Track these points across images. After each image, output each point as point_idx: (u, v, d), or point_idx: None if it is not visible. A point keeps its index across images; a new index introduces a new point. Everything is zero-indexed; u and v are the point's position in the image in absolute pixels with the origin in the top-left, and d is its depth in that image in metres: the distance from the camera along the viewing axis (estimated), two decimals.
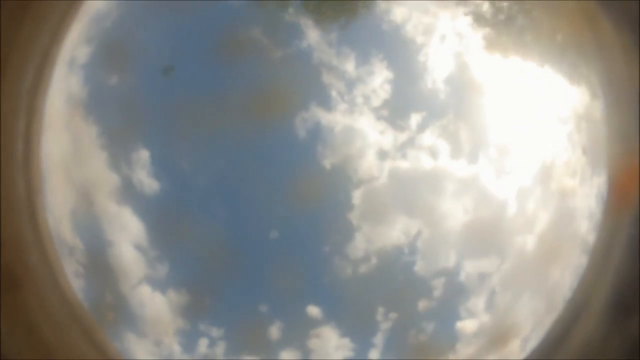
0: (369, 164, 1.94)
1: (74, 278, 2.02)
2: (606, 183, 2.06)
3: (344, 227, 1.93)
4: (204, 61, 1.96)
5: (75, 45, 2.05)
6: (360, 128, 1.94)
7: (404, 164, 1.96)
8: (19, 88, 2.03)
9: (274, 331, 1.95)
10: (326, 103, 1.94)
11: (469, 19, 2.00)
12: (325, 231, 1.94)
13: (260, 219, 1.93)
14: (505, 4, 2.03)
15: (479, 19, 2.00)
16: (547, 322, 2.06)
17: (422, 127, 1.96)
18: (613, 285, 2.04)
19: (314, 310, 1.94)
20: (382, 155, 1.95)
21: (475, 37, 2.00)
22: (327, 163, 1.93)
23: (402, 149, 1.96)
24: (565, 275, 2.06)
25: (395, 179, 1.96)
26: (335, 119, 1.94)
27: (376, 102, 1.95)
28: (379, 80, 1.95)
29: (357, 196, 1.94)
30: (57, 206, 2.03)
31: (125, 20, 2.03)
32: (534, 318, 2.04)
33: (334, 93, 1.94)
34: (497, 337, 2.02)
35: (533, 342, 2.06)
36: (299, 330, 1.95)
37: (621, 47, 2.04)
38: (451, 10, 2.00)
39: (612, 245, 2.05)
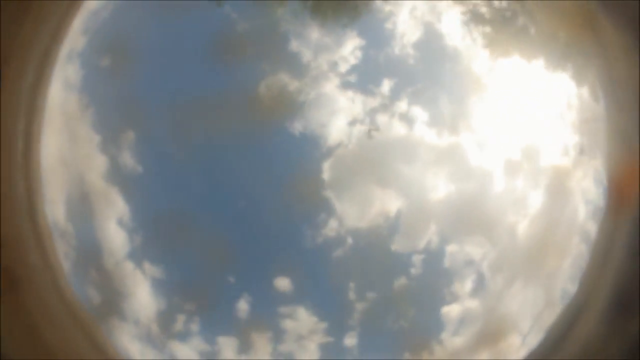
0: (341, 130, 1.91)
1: (71, 271, 2.02)
2: (606, 183, 2.06)
3: (315, 198, 1.91)
4: (203, 61, 1.97)
5: (75, 45, 2.05)
6: (335, 95, 1.92)
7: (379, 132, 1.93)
8: (19, 88, 2.03)
9: (243, 307, 1.93)
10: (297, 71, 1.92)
11: (466, 17, 2.00)
12: (296, 203, 1.91)
13: (230, 192, 1.92)
14: (504, 3, 2.03)
15: (477, 16, 2.00)
16: (546, 318, 2.04)
17: (397, 93, 1.93)
18: (613, 285, 2.03)
19: (283, 283, 1.91)
20: (356, 121, 1.92)
21: (475, 34, 2.00)
22: (297, 132, 1.91)
23: (377, 113, 1.92)
24: (563, 265, 2.03)
25: (368, 146, 1.92)
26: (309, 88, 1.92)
27: (350, 68, 1.93)
28: (350, 48, 1.94)
29: (328, 166, 1.91)
30: (56, 204, 2.04)
31: (125, 21, 2.04)
32: (531, 310, 2.02)
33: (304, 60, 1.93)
34: (489, 328, 1.99)
35: (531, 338, 2.04)
36: (269, 307, 1.92)
37: (621, 47, 2.04)
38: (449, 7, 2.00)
39: (613, 245, 2.05)
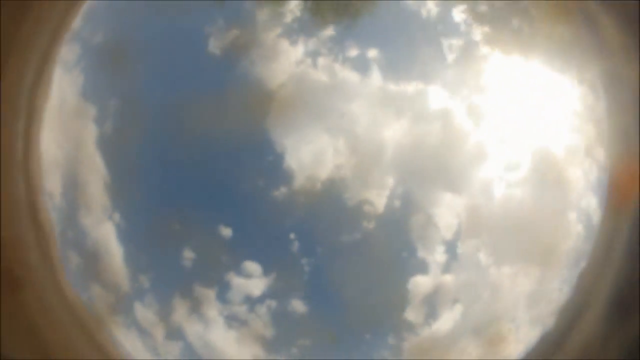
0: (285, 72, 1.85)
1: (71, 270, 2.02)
2: (606, 183, 2.06)
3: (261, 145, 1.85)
4: (202, 61, 1.97)
5: (75, 45, 2.05)
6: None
7: (323, 73, 1.87)
8: (19, 88, 2.03)
9: (189, 255, 1.90)
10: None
11: (466, 16, 1.99)
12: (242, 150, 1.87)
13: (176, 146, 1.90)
14: (505, 3, 2.03)
15: (477, 16, 2.00)
16: (540, 301, 1.97)
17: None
18: (613, 286, 2.03)
19: (226, 231, 1.86)
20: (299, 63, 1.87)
21: (475, 34, 1.99)
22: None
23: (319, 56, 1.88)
24: (557, 242, 1.97)
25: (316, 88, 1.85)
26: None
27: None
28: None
29: (273, 107, 1.85)
30: (55, 204, 2.04)
31: (124, 20, 2.04)
32: (522, 291, 1.94)
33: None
34: (471, 310, 1.90)
35: (525, 326, 1.98)
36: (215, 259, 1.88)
37: (621, 47, 2.04)
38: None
39: (612, 245, 2.04)
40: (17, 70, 2.02)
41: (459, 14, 1.95)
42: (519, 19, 2.03)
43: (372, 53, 1.89)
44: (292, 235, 1.85)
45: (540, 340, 2.05)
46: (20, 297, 2.00)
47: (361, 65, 1.87)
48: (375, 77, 1.87)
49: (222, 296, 1.89)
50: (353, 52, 1.88)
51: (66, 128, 2.03)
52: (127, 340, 1.97)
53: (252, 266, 1.86)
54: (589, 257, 2.05)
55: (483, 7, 2.01)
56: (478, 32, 1.99)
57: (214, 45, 1.92)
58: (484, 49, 1.98)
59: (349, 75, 1.87)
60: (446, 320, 1.90)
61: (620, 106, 2.06)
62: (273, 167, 1.85)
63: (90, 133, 1.99)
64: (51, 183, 2.04)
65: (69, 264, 2.01)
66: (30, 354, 2.00)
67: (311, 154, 1.84)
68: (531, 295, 1.99)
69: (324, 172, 1.85)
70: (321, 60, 1.87)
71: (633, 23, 2.01)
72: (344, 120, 1.81)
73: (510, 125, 1.97)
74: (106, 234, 1.95)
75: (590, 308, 2.04)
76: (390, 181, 1.85)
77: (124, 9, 2.03)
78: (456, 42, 1.93)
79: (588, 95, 2.06)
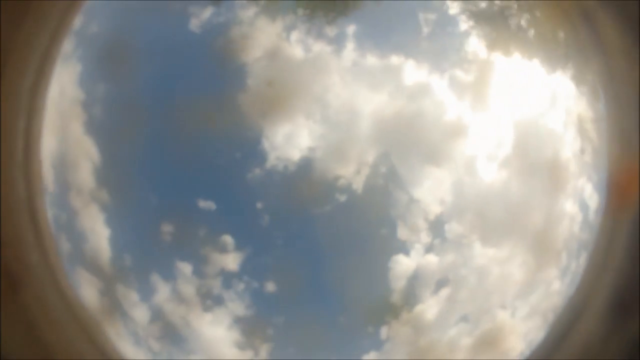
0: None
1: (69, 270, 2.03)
2: (606, 183, 2.06)
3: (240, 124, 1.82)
4: (201, 61, 1.97)
5: (75, 45, 2.05)
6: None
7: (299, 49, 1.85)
8: (19, 88, 2.03)
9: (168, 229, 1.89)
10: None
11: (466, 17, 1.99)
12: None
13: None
14: (504, 3, 2.03)
15: (477, 16, 2.00)
16: (535, 289, 1.95)
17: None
18: (613, 286, 2.03)
19: (206, 204, 1.85)
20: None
21: (475, 31, 1.98)
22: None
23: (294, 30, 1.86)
24: (553, 229, 1.94)
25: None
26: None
27: None
28: None
29: (251, 82, 1.83)
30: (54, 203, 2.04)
31: (125, 20, 2.04)
32: (516, 279, 1.91)
33: None
34: (456, 291, 1.84)
35: (520, 312, 1.96)
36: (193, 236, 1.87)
37: (621, 47, 2.04)
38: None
39: (612, 245, 2.04)
40: (17, 70, 2.02)
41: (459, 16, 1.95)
42: (519, 18, 2.03)
43: (350, 28, 1.86)
44: (269, 212, 1.82)
45: (541, 341, 2.05)
46: (20, 297, 2.00)
47: (338, 40, 1.85)
48: (353, 51, 1.85)
49: (199, 271, 1.88)
50: (329, 28, 1.85)
51: (66, 127, 2.03)
52: (114, 329, 1.97)
53: (228, 240, 1.84)
54: (589, 257, 2.06)
55: (482, 6, 2.01)
56: (476, 31, 1.99)
57: (194, 24, 1.91)
58: (481, 46, 1.98)
59: (325, 50, 1.84)
60: (432, 306, 1.87)
61: (620, 106, 2.06)
62: (251, 145, 1.83)
63: (89, 132, 1.99)
64: (50, 182, 2.04)
65: (67, 261, 2.01)
66: (30, 354, 2.00)
67: (288, 131, 1.82)
68: (529, 292, 1.99)
69: (301, 149, 1.83)
70: (295, 35, 1.85)
71: (633, 23, 2.01)
72: (322, 97, 1.79)
73: (510, 125, 1.97)
74: (105, 231, 1.96)
75: (590, 308, 2.04)
76: (370, 157, 1.82)
77: (124, 9, 2.04)
78: (448, 29, 1.93)
79: (588, 95, 2.06)
